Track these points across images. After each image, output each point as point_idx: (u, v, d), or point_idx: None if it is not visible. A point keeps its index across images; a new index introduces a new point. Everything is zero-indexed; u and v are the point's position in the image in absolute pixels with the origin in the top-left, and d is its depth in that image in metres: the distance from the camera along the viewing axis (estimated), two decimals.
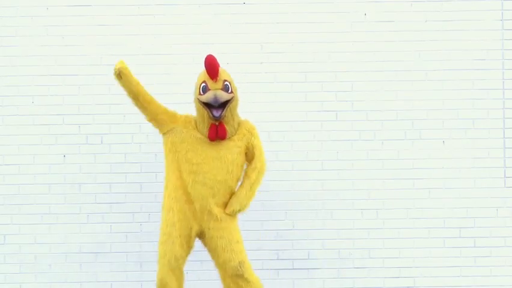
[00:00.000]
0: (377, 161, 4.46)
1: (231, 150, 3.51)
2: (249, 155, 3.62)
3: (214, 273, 4.20)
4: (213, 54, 3.49)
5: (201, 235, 3.59)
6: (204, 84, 3.45)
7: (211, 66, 3.41)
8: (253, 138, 3.59)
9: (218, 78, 3.44)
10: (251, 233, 4.41)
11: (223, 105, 3.41)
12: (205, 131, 3.50)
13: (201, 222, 3.53)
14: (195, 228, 3.54)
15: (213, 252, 3.58)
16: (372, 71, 4.48)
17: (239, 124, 3.59)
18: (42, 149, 4.43)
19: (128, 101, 4.45)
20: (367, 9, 4.49)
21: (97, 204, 4.43)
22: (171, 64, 4.45)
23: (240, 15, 4.47)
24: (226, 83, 3.45)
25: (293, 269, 4.43)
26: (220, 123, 3.46)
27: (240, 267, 3.50)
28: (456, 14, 4.49)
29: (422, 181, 4.45)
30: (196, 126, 3.55)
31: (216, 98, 3.38)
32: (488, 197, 4.45)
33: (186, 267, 4.44)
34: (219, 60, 4.51)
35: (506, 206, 4.45)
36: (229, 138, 3.52)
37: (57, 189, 4.42)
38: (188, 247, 3.57)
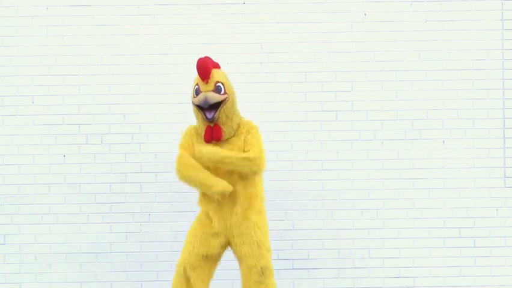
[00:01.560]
0: (377, 161, 4.46)
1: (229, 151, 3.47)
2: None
3: (215, 273, 4.20)
4: (208, 56, 3.49)
5: (230, 245, 3.57)
6: (196, 86, 3.44)
7: (202, 69, 3.40)
8: (249, 135, 3.51)
9: (209, 80, 3.41)
10: None
11: (216, 106, 3.38)
12: (203, 133, 3.48)
13: (224, 233, 3.50)
14: (220, 241, 3.51)
15: (239, 259, 3.55)
16: (372, 71, 4.48)
17: (239, 125, 3.55)
18: (42, 149, 4.43)
19: (128, 101, 4.48)
20: (367, 9, 4.49)
21: (97, 204, 4.43)
22: (171, 64, 4.45)
23: (240, 15, 4.47)
24: (218, 84, 3.42)
25: (293, 269, 4.43)
26: (216, 125, 3.44)
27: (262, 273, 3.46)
28: (456, 14, 4.49)
29: (422, 181, 4.45)
30: (197, 132, 3.53)
31: (205, 100, 3.35)
32: (488, 197, 4.45)
33: None
34: (219, 60, 4.53)
35: (506, 206, 4.45)
36: (228, 139, 3.49)
37: (57, 189, 4.42)
38: (212, 260, 3.54)
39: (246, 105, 4.44)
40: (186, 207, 4.37)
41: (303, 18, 4.48)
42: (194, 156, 3.45)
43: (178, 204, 4.40)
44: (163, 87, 4.45)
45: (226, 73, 3.54)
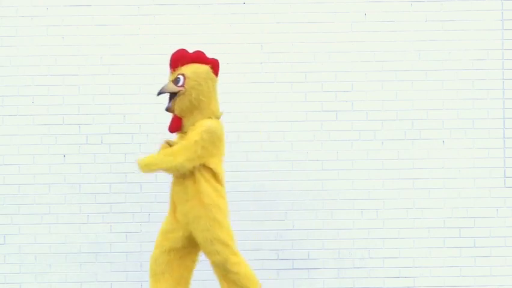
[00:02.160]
0: (377, 161, 4.46)
1: None
2: None
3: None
4: (185, 49, 3.56)
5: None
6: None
7: (172, 58, 3.53)
8: (190, 131, 3.45)
9: (175, 70, 3.50)
10: (251, 233, 4.41)
11: (170, 97, 3.48)
12: None
13: (185, 226, 3.52)
14: (182, 233, 3.52)
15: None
16: (372, 71, 4.48)
17: (197, 123, 3.48)
18: (42, 149, 4.43)
19: (128, 101, 4.48)
20: (367, 9, 4.49)
21: (97, 204, 4.43)
22: None
23: (240, 15, 4.47)
24: (179, 76, 3.47)
25: (293, 269, 4.43)
26: (175, 116, 3.50)
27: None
28: (456, 14, 4.49)
29: (422, 181, 4.45)
30: None
31: (160, 88, 3.49)
32: (488, 197, 4.45)
33: None
34: (220, 60, 4.53)
35: (506, 206, 4.45)
36: (187, 132, 3.48)
37: (57, 189, 4.42)
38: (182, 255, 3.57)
39: (246, 105, 4.46)
40: None
41: (303, 18, 4.48)
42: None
43: None
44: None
45: (206, 70, 3.49)
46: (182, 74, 3.46)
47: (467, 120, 4.47)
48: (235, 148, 4.42)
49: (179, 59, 3.51)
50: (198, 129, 3.41)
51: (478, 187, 4.45)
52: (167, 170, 3.44)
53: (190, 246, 3.56)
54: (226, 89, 4.40)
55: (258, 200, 4.43)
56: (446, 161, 4.46)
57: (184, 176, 3.45)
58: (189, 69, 3.48)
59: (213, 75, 3.54)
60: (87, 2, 4.47)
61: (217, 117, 3.55)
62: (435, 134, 4.47)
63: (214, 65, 3.56)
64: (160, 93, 3.49)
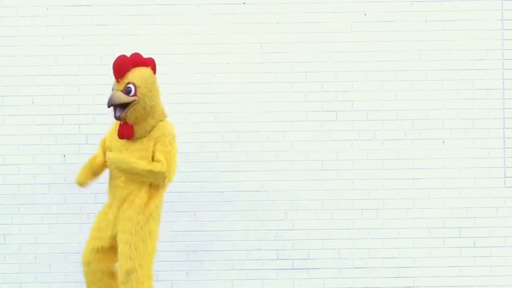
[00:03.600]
0: (377, 161, 4.46)
1: (139, 151, 3.48)
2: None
3: (215, 273, 4.23)
4: (126, 55, 3.51)
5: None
6: (112, 85, 3.50)
7: (116, 67, 3.44)
8: (158, 143, 3.47)
9: (122, 80, 3.43)
10: (251, 233, 4.41)
11: (125, 106, 3.41)
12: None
13: (113, 226, 3.54)
14: (111, 233, 3.55)
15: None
16: (372, 71, 4.48)
17: (155, 127, 3.51)
18: (42, 149, 4.43)
19: None
20: (367, 9, 4.49)
21: (97, 204, 4.41)
22: (171, 64, 4.44)
23: (240, 15, 4.47)
24: (129, 85, 3.42)
25: (293, 269, 4.43)
26: (126, 123, 3.47)
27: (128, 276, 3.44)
28: (456, 14, 4.49)
29: (422, 181, 4.45)
30: (116, 127, 3.60)
31: (110, 99, 3.40)
32: (488, 197, 4.45)
33: (186, 267, 4.45)
34: (219, 60, 4.53)
35: (506, 206, 4.45)
36: (140, 139, 3.49)
37: (57, 189, 4.42)
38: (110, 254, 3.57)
39: (246, 105, 4.46)
40: (186, 207, 4.38)
41: (303, 18, 4.48)
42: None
43: (178, 204, 4.40)
44: (162, 87, 4.43)
45: (150, 74, 3.51)
46: (133, 83, 3.42)
47: (467, 120, 4.47)
48: (235, 148, 4.42)
49: (123, 66, 3.44)
50: (163, 138, 3.46)
51: (478, 187, 4.45)
52: (152, 179, 3.46)
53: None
54: (226, 89, 4.42)
55: (258, 200, 4.43)
56: (446, 161, 4.46)
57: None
58: (136, 77, 3.44)
59: (154, 76, 3.56)
60: (87, 2, 4.47)
61: (166, 117, 3.61)
62: (435, 134, 4.47)
63: (153, 65, 3.58)
64: (110, 105, 3.41)
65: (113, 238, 3.52)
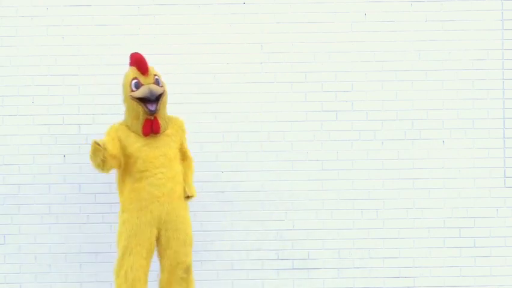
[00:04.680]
0: (377, 161, 4.46)
1: (170, 146, 3.60)
2: (181, 150, 3.74)
3: (215, 273, 4.23)
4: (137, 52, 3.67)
5: (157, 238, 3.63)
6: (135, 80, 3.54)
7: (142, 62, 3.54)
8: (184, 134, 3.76)
9: (149, 73, 3.55)
10: (251, 233, 4.41)
11: (157, 99, 3.51)
12: (140, 127, 3.55)
13: (158, 225, 3.57)
14: (154, 233, 3.59)
15: (165, 252, 3.63)
16: (372, 71, 4.48)
17: (169, 119, 3.68)
18: (42, 149, 4.43)
19: None
20: (367, 9, 4.49)
21: (97, 204, 4.43)
22: (171, 64, 4.44)
23: (240, 15, 4.47)
24: (156, 77, 3.58)
25: (293, 269, 4.43)
26: (155, 118, 3.54)
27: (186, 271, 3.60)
28: (456, 14, 4.49)
29: (422, 181, 4.45)
30: (129, 129, 3.62)
31: (151, 91, 3.48)
32: (488, 197, 4.45)
33: None
34: (220, 60, 4.54)
35: (506, 206, 4.45)
36: (164, 133, 3.61)
37: (57, 189, 4.42)
38: (150, 255, 3.63)
39: (246, 105, 4.45)
40: None
41: (303, 18, 4.48)
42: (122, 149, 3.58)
43: None
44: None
45: None
46: (158, 75, 3.60)
47: (467, 120, 4.47)
48: (235, 148, 4.42)
49: (146, 60, 3.59)
50: (185, 128, 3.74)
51: (478, 187, 4.45)
52: None
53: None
54: (226, 89, 4.42)
55: (258, 200, 4.43)
56: (446, 161, 4.46)
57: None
58: (154, 70, 3.63)
59: None
60: (87, 2, 4.47)
61: None
62: (435, 134, 4.47)
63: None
64: (155, 97, 3.49)
65: (154, 239, 3.58)
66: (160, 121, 3.58)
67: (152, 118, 3.54)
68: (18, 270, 4.41)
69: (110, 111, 4.44)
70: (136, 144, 3.56)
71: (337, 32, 4.48)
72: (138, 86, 3.51)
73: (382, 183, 4.45)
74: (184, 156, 3.78)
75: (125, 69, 4.43)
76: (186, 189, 3.71)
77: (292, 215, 4.44)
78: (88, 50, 4.46)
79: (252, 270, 4.41)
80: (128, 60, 4.47)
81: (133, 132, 3.60)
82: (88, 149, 4.41)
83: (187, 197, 3.73)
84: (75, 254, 4.42)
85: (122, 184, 3.67)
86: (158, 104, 3.52)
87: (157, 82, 3.55)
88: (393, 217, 4.45)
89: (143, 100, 3.49)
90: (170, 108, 4.46)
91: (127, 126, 3.65)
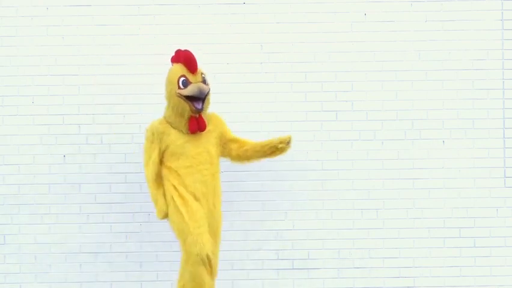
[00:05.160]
0: (377, 161, 4.46)
1: (211, 142, 3.64)
2: (223, 140, 3.76)
3: None
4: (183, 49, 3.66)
5: None
6: (183, 78, 3.53)
7: (192, 61, 3.54)
8: (224, 126, 3.78)
9: (197, 72, 3.57)
10: (251, 233, 4.41)
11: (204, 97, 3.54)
12: (184, 125, 3.56)
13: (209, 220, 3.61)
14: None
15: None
16: (372, 71, 4.48)
17: (207, 116, 3.70)
18: (42, 149, 4.43)
19: (128, 101, 4.48)
20: (367, 9, 4.49)
21: (97, 204, 4.43)
22: (171, 64, 4.44)
23: (240, 15, 4.47)
24: (203, 75, 3.59)
25: (293, 269, 4.43)
26: (200, 116, 3.56)
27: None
28: (456, 14, 4.49)
29: (422, 181, 4.45)
30: (171, 125, 3.62)
31: (200, 90, 3.49)
32: (488, 197, 4.45)
33: None
34: (220, 60, 4.53)
35: (506, 206, 4.45)
36: (207, 130, 3.63)
37: (57, 189, 4.42)
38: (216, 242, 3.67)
39: (246, 105, 4.46)
40: None
41: (303, 18, 4.48)
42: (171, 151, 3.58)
43: None
44: (162, 87, 4.44)
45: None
46: (203, 73, 3.62)
47: (467, 120, 4.47)
48: None
49: (196, 59, 3.59)
50: (223, 121, 3.78)
51: (478, 187, 4.45)
52: None
53: None
54: (226, 89, 4.42)
55: (258, 200, 4.43)
56: (446, 161, 4.46)
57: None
58: (201, 68, 3.63)
59: None
60: (87, 2, 4.47)
61: None
62: (435, 134, 4.47)
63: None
64: (204, 96, 3.52)
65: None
66: (205, 118, 3.61)
67: (197, 116, 3.55)
68: (18, 270, 4.41)
69: (110, 111, 4.45)
70: (179, 141, 3.57)
71: (337, 32, 4.48)
72: (186, 84, 3.51)
73: (382, 183, 4.45)
74: (237, 140, 3.79)
75: (125, 69, 4.46)
76: (275, 142, 3.69)
77: (292, 215, 4.44)
78: (88, 50, 4.46)
79: (252, 270, 4.41)
80: (129, 61, 4.49)
81: (175, 128, 3.59)
82: (87, 149, 4.43)
83: (287, 143, 3.71)
84: (75, 254, 4.42)
85: (167, 181, 3.61)
86: (204, 102, 3.53)
87: (203, 80, 3.57)
88: (393, 217, 4.45)
89: (190, 98, 3.49)
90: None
91: (169, 122, 3.63)
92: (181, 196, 3.52)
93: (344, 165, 4.45)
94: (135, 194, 4.42)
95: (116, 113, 4.44)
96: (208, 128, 3.64)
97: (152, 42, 4.45)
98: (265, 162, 4.41)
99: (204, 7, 4.48)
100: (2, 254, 4.42)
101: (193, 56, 3.56)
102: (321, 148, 4.46)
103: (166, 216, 3.57)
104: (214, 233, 3.63)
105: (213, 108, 4.41)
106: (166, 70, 4.45)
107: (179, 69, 3.58)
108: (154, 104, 4.41)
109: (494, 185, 4.45)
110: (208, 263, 3.45)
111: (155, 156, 3.59)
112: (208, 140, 3.63)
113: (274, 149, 3.72)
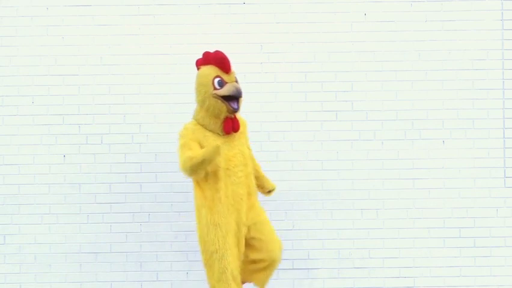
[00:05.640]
0: (377, 161, 4.46)
1: (243, 144, 3.61)
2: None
3: None
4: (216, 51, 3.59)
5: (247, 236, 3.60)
6: (219, 78, 3.48)
7: (226, 61, 3.50)
8: (247, 129, 3.73)
9: (231, 72, 3.53)
10: None
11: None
12: (219, 126, 3.50)
13: (246, 224, 3.56)
14: (243, 232, 3.55)
15: (259, 245, 3.57)
16: (372, 71, 4.48)
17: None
18: (42, 149, 4.43)
19: (128, 101, 4.48)
20: (367, 9, 4.49)
21: (97, 204, 4.43)
22: (171, 64, 4.45)
23: (240, 15, 4.47)
24: (236, 76, 3.57)
25: (293, 269, 4.43)
26: (234, 116, 3.53)
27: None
28: (456, 14, 4.49)
29: (422, 181, 4.45)
30: (205, 128, 3.53)
31: (238, 89, 3.47)
32: (488, 197, 4.45)
33: (186, 267, 4.45)
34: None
35: (506, 206, 4.45)
36: (239, 131, 3.60)
37: (57, 189, 4.42)
38: (241, 255, 3.58)
39: (246, 105, 4.44)
40: (186, 207, 4.37)
41: (303, 18, 4.48)
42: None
43: (178, 204, 4.40)
44: (163, 87, 4.45)
45: None
46: (235, 74, 3.60)
47: (467, 120, 4.47)
48: None
49: (229, 60, 3.55)
50: (247, 130, 3.72)
51: (478, 187, 4.45)
52: None
53: None
54: None
55: (258, 200, 4.42)
56: (446, 161, 4.46)
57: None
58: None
59: None
60: (87, 2, 4.47)
61: None
62: (435, 134, 4.47)
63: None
64: (241, 94, 3.49)
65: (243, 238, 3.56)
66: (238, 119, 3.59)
67: (233, 116, 3.52)
68: (18, 270, 4.41)
69: (111, 111, 4.45)
70: (215, 143, 3.43)
71: (337, 32, 4.48)
72: (222, 84, 3.46)
73: (382, 183, 4.46)
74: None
75: (125, 69, 4.45)
76: (266, 185, 3.78)
77: (292, 215, 4.44)
78: (88, 50, 4.46)
79: None
80: (129, 61, 4.48)
81: (210, 131, 3.51)
82: (87, 149, 4.42)
83: (269, 192, 3.82)
84: (75, 254, 4.42)
85: (205, 183, 3.49)
86: (239, 102, 3.52)
87: (236, 80, 3.56)
88: (393, 217, 4.45)
89: (227, 98, 3.45)
90: (171, 108, 4.47)
91: (202, 125, 3.54)
92: (213, 207, 3.46)
93: (344, 165, 4.45)
94: (135, 194, 4.42)
95: (116, 113, 4.44)
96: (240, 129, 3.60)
97: (152, 42, 4.45)
98: (266, 162, 4.42)
99: (204, 7, 4.48)
100: (2, 254, 4.42)
101: (225, 56, 3.51)
102: (321, 148, 4.46)
103: (219, 148, 3.29)
104: (266, 230, 3.60)
105: None
106: (165, 70, 4.47)
107: (212, 70, 3.50)
108: (154, 104, 4.42)
109: (494, 185, 4.45)
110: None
111: (196, 146, 3.43)
112: (240, 142, 3.58)
113: (261, 190, 3.80)
